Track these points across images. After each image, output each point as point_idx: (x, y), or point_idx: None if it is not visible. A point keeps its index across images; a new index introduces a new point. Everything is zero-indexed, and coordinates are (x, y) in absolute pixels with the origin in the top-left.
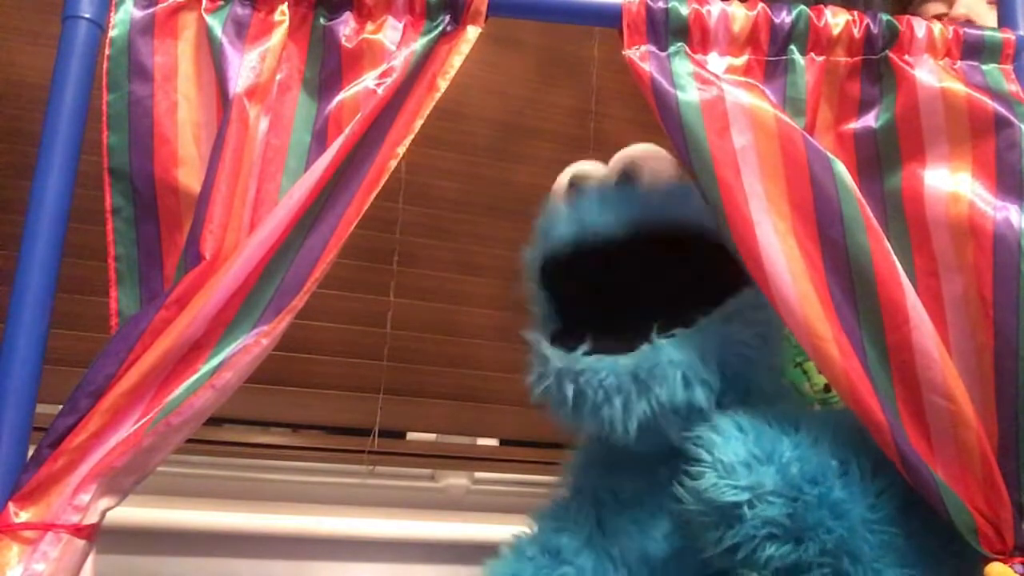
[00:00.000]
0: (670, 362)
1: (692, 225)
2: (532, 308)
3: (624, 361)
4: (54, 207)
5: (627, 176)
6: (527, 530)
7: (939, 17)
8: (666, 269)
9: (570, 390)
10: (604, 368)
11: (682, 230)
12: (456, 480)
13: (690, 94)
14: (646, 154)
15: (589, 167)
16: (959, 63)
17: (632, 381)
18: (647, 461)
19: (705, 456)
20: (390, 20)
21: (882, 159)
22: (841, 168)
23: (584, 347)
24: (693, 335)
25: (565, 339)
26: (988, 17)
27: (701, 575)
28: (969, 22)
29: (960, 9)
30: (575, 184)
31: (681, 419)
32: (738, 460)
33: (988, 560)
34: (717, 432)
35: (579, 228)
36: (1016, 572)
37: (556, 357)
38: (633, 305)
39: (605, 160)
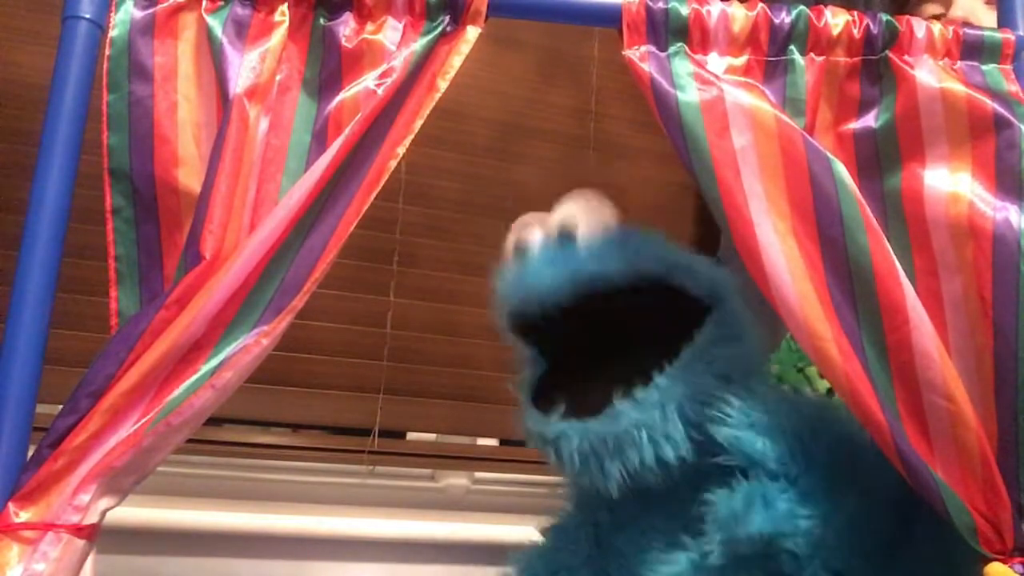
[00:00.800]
0: (634, 425)
1: (628, 267)
2: (515, 355)
3: (592, 427)
4: (54, 207)
5: (565, 234)
6: (533, 540)
7: (937, 18)
8: (620, 324)
9: (551, 454)
10: (575, 435)
11: (620, 273)
12: (456, 480)
13: (690, 94)
14: (580, 209)
15: (532, 226)
16: (959, 63)
17: (603, 446)
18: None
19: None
20: (390, 20)
21: (882, 159)
22: (841, 168)
23: (558, 411)
24: (651, 393)
25: (548, 388)
26: (986, 18)
27: None
28: (967, 23)
29: (958, 12)
30: (519, 248)
31: (655, 475)
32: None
33: (988, 560)
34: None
35: (522, 294)
36: (1016, 572)
37: (534, 420)
38: (599, 360)
39: (605, 160)
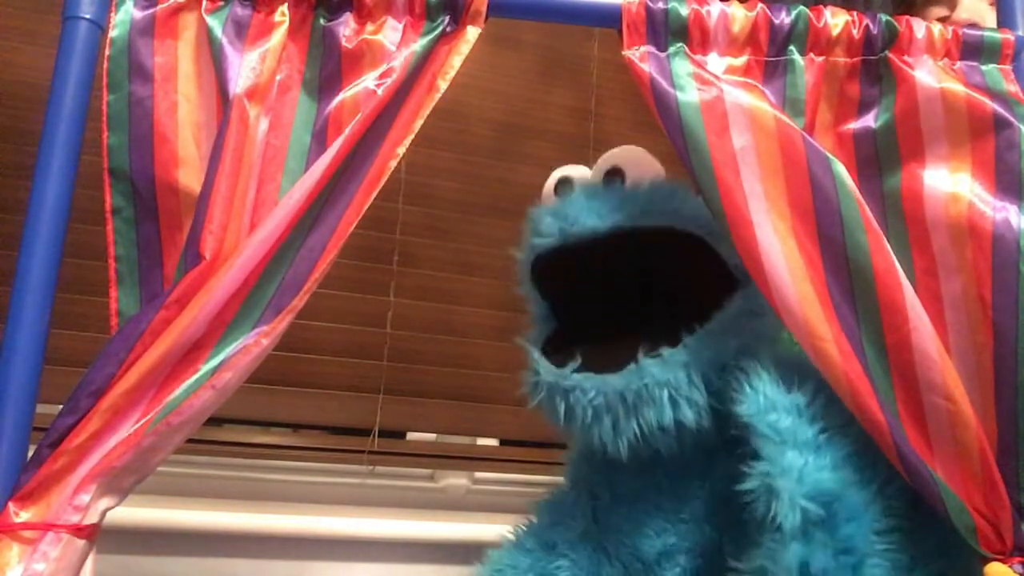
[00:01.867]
0: (656, 383)
1: (673, 222)
2: (528, 309)
3: (612, 381)
4: (54, 207)
5: (611, 176)
6: (528, 521)
7: (942, 20)
8: (654, 281)
9: (561, 406)
10: (592, 387)
11: (663, 226)
12: (456, 480)
13: (690, 95)
14: (630, 155)
15: (575, 170)
16: (958, 63)
17: (620, 402)
18: (643, 459)
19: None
20: (390, 21)
21: (881, 159)
22: (840, 168)
23: (574, 363)
24: (679, 353)
25: (559, 346)
26: (991, 19)
27: (692, 574)
28: (973, 25)
29: (963, 14)
30: (561, 186)
31: (669, 436)
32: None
33: (988, 560)
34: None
35: (562, 225)
36: (1016, 572)
37: (546, 371)
38: (624, 317)
39: None
